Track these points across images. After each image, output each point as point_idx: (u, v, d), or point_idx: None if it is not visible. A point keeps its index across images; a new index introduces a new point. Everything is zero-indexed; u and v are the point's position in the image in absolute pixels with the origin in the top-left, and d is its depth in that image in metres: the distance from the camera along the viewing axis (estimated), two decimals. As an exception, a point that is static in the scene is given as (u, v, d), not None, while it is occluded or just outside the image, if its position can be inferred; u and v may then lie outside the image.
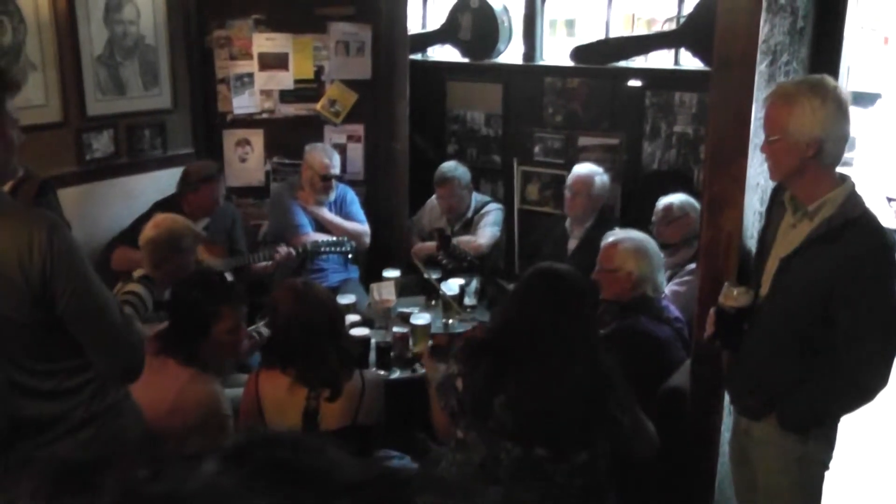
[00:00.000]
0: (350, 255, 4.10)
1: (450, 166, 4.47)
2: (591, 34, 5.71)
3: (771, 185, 2.39)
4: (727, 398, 2.58)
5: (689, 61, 4.40)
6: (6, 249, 1.70)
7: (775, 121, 2.09)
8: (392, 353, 3.28)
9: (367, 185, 4.77)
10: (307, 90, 4.65)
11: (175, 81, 4.41)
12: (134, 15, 4.17)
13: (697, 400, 2.65)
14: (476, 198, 4.57)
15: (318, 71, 4.64)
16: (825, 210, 2.08)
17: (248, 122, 4.64)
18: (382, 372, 3.18)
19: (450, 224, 4.51)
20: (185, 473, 0.45)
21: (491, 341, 2.24)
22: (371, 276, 4.09)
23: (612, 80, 4.56)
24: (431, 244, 4.31)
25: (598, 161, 4.35)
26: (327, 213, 4.24)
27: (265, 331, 2.84)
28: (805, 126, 2.03)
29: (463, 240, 4.28)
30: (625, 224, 3.62)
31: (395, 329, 3.39)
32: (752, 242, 2.53)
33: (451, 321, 3.61)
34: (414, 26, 5.09)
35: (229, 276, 2.63)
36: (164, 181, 4.17)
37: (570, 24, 8.67)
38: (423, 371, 3.18)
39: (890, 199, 6.93)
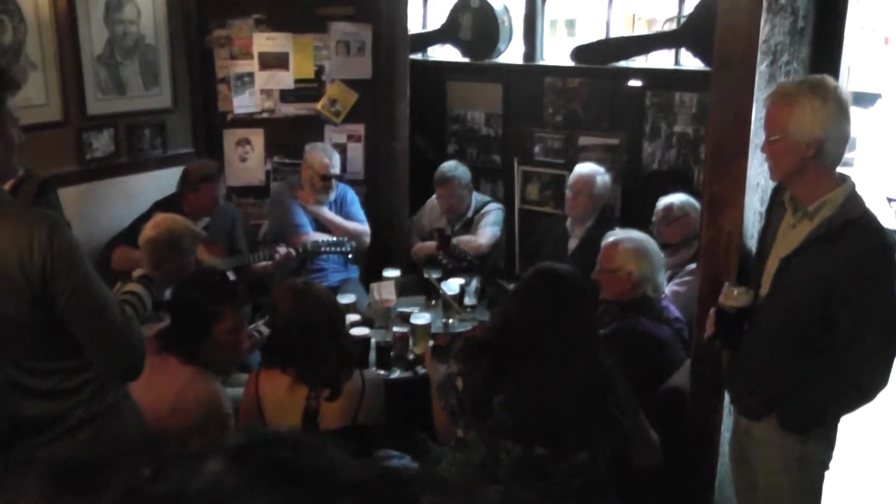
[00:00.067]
0: (350, 255, 4.10)
1: (450, 166, 4.47)
2: (591, 34, 5.71)
3: (771, 185, 2.39)
4: (727, 398, 2.58)
5: (690, 61, 4.40)
6: (6, 249, 1.70)
7: (776, 121, 2.09)
8: (392, 353, 3.28)
9: (367, 184, 4.77)
10: (307, 90, 4.65)
11: (175, 81, 4.41)
12: (134, 14, 4.17)
13: (697, 400, 2.65)
14: (476, 198, 4.57)
15: (319, 70, 4.64)
16: (825, 210, 2.08)
17: (248, 121, 4.64)
18: (382, 372, 3.18)
19: (450, 224, 4.51)
20: (187, 473, 0.45)
21: (491, 341, 2.24)
22: (371, 275, 4.09)
23: (613, 80, 4.56)
24: (431, 244, 4.31)
25: (598, 161, 4.35)
26: (328, 213, 4.24)
27: (265, 330, 2.84)
28: (805, 126, 2.03)
29: (463, 239, 4.28)
30: (625, 224, 3.62)
31: (395, 329, 3.39)
32: (752, 242, 2.53)
33: (451, 321, 3.61)
34: (414, 26, 5.09)
35: (231, 276, 2.62)
36: (164, 181, 4.17)
37: (570, 24, 8.67)
38: (423, 371, 3.19)
39: (890, 200, 6.93)
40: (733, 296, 2.24)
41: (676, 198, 3.69)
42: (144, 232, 3.02)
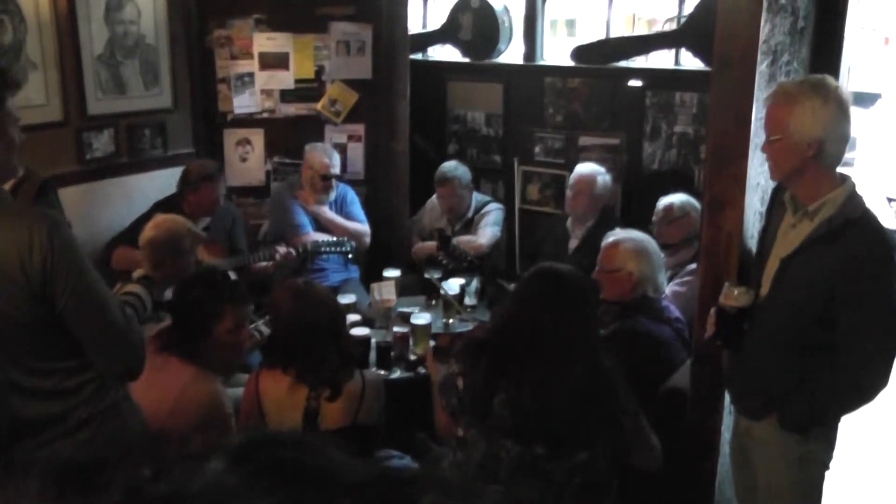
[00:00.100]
0: (350, 255, 4.10)
1: (450, 166, 4.47)
2: (591, 34, 5.71)
3: (771, 185, 2.39)
4: (727, 398, 2.58)
5: (690, 61, 4.40)
6: (7, 248, 1.70)
7: (776, 120, 2.09)
8: (392, 353, 3.28)
9: (367, 184, 4.78)
10: (308, 90, 4.65)
11: (175, 81, 4.41)
12: (134, 14, 4.17)
13: (698, 400, 2.65)
14: (476, 198, 4.57)
15: (319, 70, 4.64)
16: (825, 210, 2.08)
17: (248, 121, 4.64)
18: (383, 372, 3.18)
19: (450, 224, 4.51)
20: (188, 473, 0.45)
21: (491, 340, 2.24)
22: (371, 275, 4.09)
23: (613, 80, 4.56)
24: (432, 244, 4.31)
25: (598, 161, 4.35)
26: (328, 213, 4.24)
27: (265, 329, 2.84)
28: (806, 126, 2.03)
29: (463, 240, 4.28)
30: (625, 224, 3.62)
31: (396, 329, 3.39)
32: (752, 242, 2.53)
33: (451, 321, 3.62)
34: (414, 26, 5.09)
35: (233, 275, 2.62)
36: (164, 181, 4.17)
37: (570, 24, 8.67)
38: (424, 372, 3.19)
39: (890, 200, 6.93)
40: (733, 296, 2.24)
41: (677, 198, 3.69)
42: (145, 232, 3.02)
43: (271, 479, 0.46)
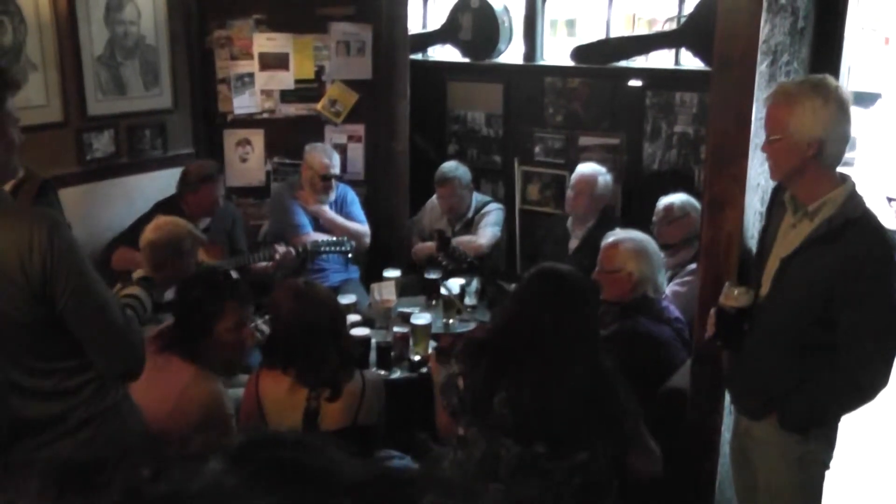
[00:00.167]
0: (350, 255, 4.10)
1: (450, 166, 4.47)
2: (591, 34, 5.70)
3: (771, 184, 2.39)
4: (728, 398, 2.58)
5: (690, 61, 4.40)
6: (7, 248, 1.71)
7: (776, 120, 2.09)
8: (392, 353, 3.28)
9: (367, 185, 4.78)
10: (308, 90, 4.65)
11: (176, 81, 4.41)
12: (134, 15, 4.17)
13: (698, 400, 2.65)
14: (476, 198, 4.57)
15: (319, 71, 4.64)
16: (825, 210, 2.08)
17: (248, 121, 4.64)
18: (383, 372, 3.18)
19: (450, 224, 4.51)
20: (188, 473, 0.45)
21: (492, 341, 2.24)
22: (371, 276, 4.09)
23: (613, 80, 4.56)
24: (432, 244, 4.31)
25: (598, 161, 4.35)
26: (329, 212, 4.24)
27: (265, 328, 2.83)
28: (806, 126, 2.03)
29: (463, 240, 4.28)
30: (625, 224, 3.62)
31: (396, 329, 3.39)
32: (752, 242, 2.53)
33: (451, 321, 3.62)
34: (414, 26, 5.09)
35: (235, 275, 2.62)
36: (164, 181, 4.17)
37: (570, 24, 8.67)
38: (425, 372, 3.19)
39: (890, 199, 6.93)
40: (734, 296, 2.24)
41: (677, 198, 3.69)
42: (145, 234, 3.02)
43: (271, 480, 0.46)
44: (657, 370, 2.82)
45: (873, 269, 2.01)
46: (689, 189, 3.87)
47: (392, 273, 3.95)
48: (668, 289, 3.29)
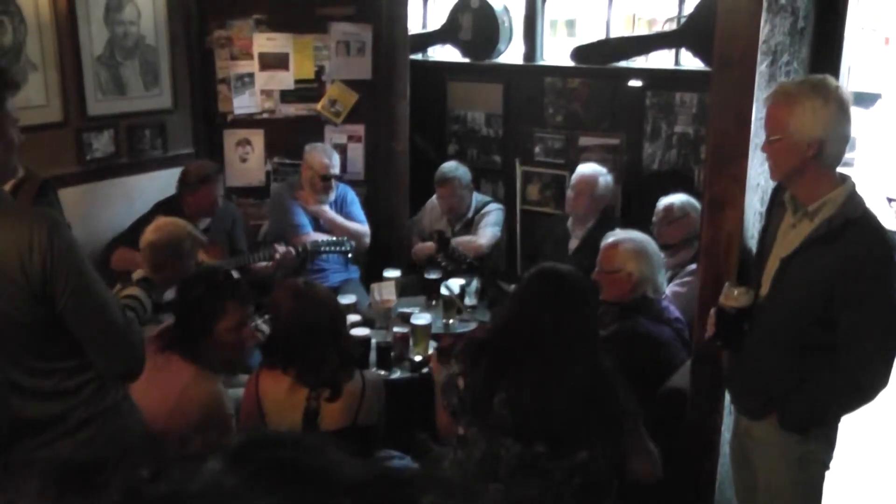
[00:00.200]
0: (350, 255, 4.10)
1: (450, 166, 4.47)
2: (591, 34, 5.70)
3: (771, 185, 2.39)
4: (728, 398, 2.58)
5: (690, 61, 4.40)
6: (7, 248, 1.71)
7: (776, 120, 2.09)
8: (392, 354, 3.28)
9: (367, 185, 4.78)
10: (308, 90, 4.65)
11: (175, 81, 4.41)
12: (134, 15, 4.17)
13: (698, 400, 2.65)
14: (476, 198, 4.57)
15: (319, 71, 4.64)
16: (825, 210, 2.08)
17: (248, 122, 4.64)
18: (383, 372, 3.18)
19: (450, 224, 4.51)
20: (187, 473, 0.45)
21: (492, 341, 2.24)
22: (372, 276, 4.09)
23: (613, 81, 4.56)
24: (431, 244, 4.31)
25: (599, 161, 4.35)
26: (329, 212, 4.24)
27: (264, 328, 2.83)
28: (806, 126, 2.03)
29: (463, 240, 4.28)
30: (625, 224, 3.62)
31: (396, 329, 3.39)
32: (752, 242, 2.53)
33: (451, 321, 3.62)
34: (414, 26, 5.09)
35: (236, 275, 2.62)
36: (164, 181, 4.17)
37: (570, 25, 8.66)
38: (425, 372, 3.19)
39: (890, 200, 6.93)
40: (734, 296, 2.24)
41: (677, 198, 3.69)
42: (145, 235, 3.02)
43: (270, 480, 0.46)
44: (657, 370, 2.82)
45: (873, 270, 2.01)
46: (689, 189, 3.88)
47: (392, 273, 3.95)
48: (668, 289, 3.29)
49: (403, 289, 3.93)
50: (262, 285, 3.64)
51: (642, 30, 6.09)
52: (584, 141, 4.68)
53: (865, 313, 2.02)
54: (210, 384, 2.39)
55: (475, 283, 3.84)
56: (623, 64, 4.59)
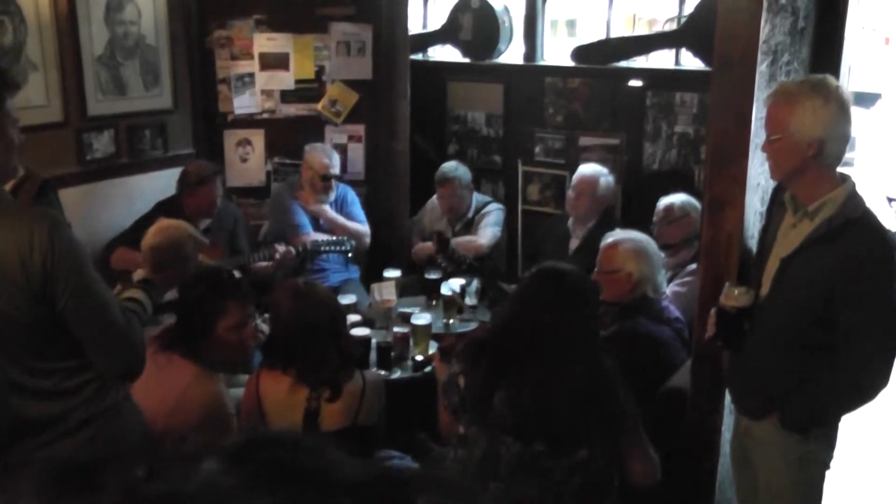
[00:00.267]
0: (350, 255, 4.10)
1: (450, 166, 4.47)
2: (591, 34, 5.70)
3: (772, 184, 2.39)
4: (728, 398, 2.58)
5: (690, 61, 4.40)
6: (7, 248, 1.71)
7: (777, 120, 2.09)
8: (393, 354, 3.28)
9: (367, 185, 4.78)
10: (308, 90, 4.65)
11: (176, 81, 4.41)
12: (135, 15, 4.17)
13: (698, 400, 2.65)
14: (477, 198, 4.57)
15: (319, 71, 4.64)
16: (826, 210, 2.08)
17: (248, 122, 4.64)
18: (383, 372, 3.18)
19: (451, 224, 4.51)
20: (184, 473, 0.45)
21: (492, 341, 2.24)
22: (372, 276, 4.09)
23: (613, 81, 4.56)
24: (431, 244, 4.31)
25: (599, 161, 4.35)
26: (329, 212, 4.24)
27: (264, 327, 2.83)
28: (806, 126, 2.03)
29: (464, 240, 4.28)
30: (626, 224, 3.62)
31: (396, 329, 3.39)
32: (752, 242, 2.53)
33: (451, 321, 3.62)
34: (414, 26, 5.09)
35: (238, 274, 2.62)
36: (164, 181, 4.17)
37: (570, 25, 8.66)
38: (425, 372, 3.19)
39: (890, 200, 6.93)
40: (734, 296, 2.24)
41: (677, 198, 3.69)
42: (147, 238, 3.01)
43: (270, 480, 0.46)
44: (657, 370, 2.82)
45: (873, 269, 2.01)
46: (689, 189, 3.87)
47: (392, 273, 3.95)
48: (669, 289, 3.29)
49: (404, 289, 3.93)
50: (263, 285, 3.65)
51: (642, 30, 6.09)
52: (585, 141, 4.68)
53: (865, 313, 2.02)
54: (211, 384, 2.39)
55: (475, 283, 3.84)
56: (623, 64, 4.59)
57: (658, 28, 5.61)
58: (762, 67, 2.38)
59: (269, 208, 4.53)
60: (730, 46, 2.38)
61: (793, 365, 2.16)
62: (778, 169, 2.16)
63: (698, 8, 4.20)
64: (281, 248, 3.86)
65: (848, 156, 2.16)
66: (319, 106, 4.67)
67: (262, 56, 4.57)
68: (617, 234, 3.13)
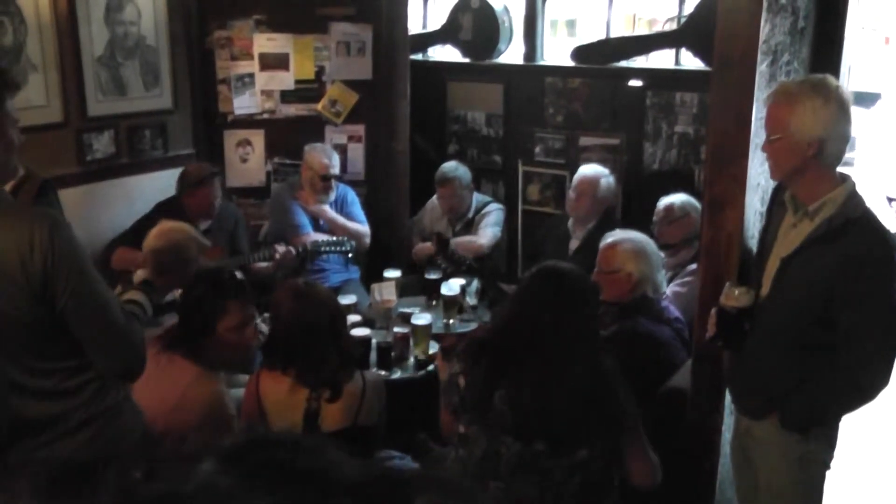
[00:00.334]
0: (350, 255, 4.10)
1: (451, 166, 4.47)
2: (591, 34, 5.70)
3: (772, 184, 2.39)
4: (728, 398, 2.58)
5: (690, 61, 4.40)
6: (7, 248, 1.71)
7: (777, 120, 2.09)
8: (393, 354, 3.28)
9: (367, 185, 4.78)
10: (308, 90, 4.66)
11: (176, 82, 4.41)
12: (135, 15, 4.17)
13: (698, 400, 2.65)
14: (477, 198, 4.57)
15: (319, 71, 4.64)
16: (826, 210, 2.08)
17: (248, 122, 4.64)
18: (383, 372, 3.18)
19: (451, 224, 4.51)
20: (182, 474, 0.45)
21: (492, 341, 2.24)
22: (372, 276, 4.09)
23: (613, 81, 4.56)
24: (431, 245, 4.31)
25: (599, 161, 4.35)
26: (329, 212, 4.25)
27: (263, 328, 2.83)
28: (807, 125, 2.03)
29: (464, 240, 4.28)
30: (626, 224, 3.61)
31: (396, 329, 3.39)
32: (752, 242, 2.53)
33: (451, 321, 3.62)
34: (414, 26, 5.09)
35: (240, 275, 2.62)
36: (164, 182, 4.17)
37: (570, 25, 8.66)
38: (424, 372, 3.19)
39: (890, 199, 6.93)
40: (734, 296, 2.24)
41: (677, 198, 3.69)
42: (149, 241, 3.00)
43: (269, 480, 0.46)
44: (657, 370, 2.82)
45: (873, 269, 2.01)
46: (689, 189, 3.87)
47: (392, 273, 3.95)
48: (669, 289, 3.29)
49: (404, 289, 3.93)
50: (263, 285, 3.65)
51: (642, 30, 6.09)
52: (585, 141, 4.68)
53: (865, 313, 2.02)
54: (212, 384, 2.39)
55: (475, 283, 3.84)
56: (623, 64, 4.59)
57: (658, 28, 5.61)
58: (762, 67, 2.38)
59: (269, 208, 4.53)
60: (730, 46, 2.38)
61: (793, 365, 2.16)
62: (778, 169, 2.16)
63: (698, 8, 4.20)
64: (281, 248, 3.86)
65: (848, 156, 2.16)
66: (319, 106, 4.67)
67: (262, 56, 4.57)
68: (616, 235, 3.13)
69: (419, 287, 4.01)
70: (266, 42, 4.56)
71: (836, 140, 2.05)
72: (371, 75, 4.68)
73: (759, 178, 2.52)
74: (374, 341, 3.29)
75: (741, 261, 2.47)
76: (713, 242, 2.51)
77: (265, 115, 4.64)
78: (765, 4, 2.30)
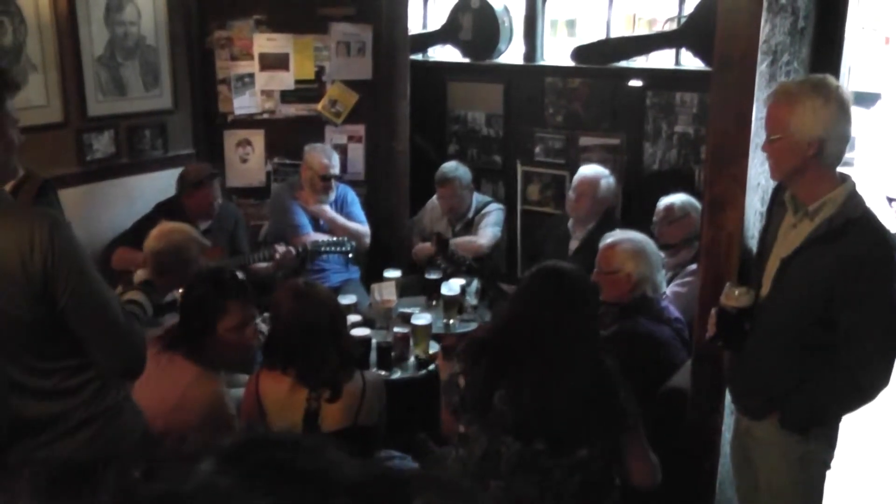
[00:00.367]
0: (350, 255, 4.10)
1: (451, 166, 4.47)
2: (591, 34, 5.70)
3: (772, 184, 2.39)
4: (728, 398, 2.58)
5: (690, 61, 4.40)
6: (8, 247, 1.71)
7: (777, 119, 2.09)
8: (393, 354, 3.28)
9: (367, 185, 4.78)
10: (308, 90, 4.65)
11: (176, 82, 4.41)
12: (135, 16, 4.17)
13: (698, 400, 2.65)
14: (477, 198, 4.57)
15: (319, 71, 4.64)
16: (826, 210, 2.08)
17: (248, 122, 4.64)
18: (383, 372, 3.18)
19: (451, 224, 4.51)
20: (181, 474, 0.45)
21: (492, 340, 2.24)
22: (372, 276, 4.09)
23: (613, 81, 4.56)
24: (431, 245, 4.31)
25: (599, 161, 4.35)
26: (330, 212, 4.25)
27: (263, 328, 2.83)
28: (807, 125, 2.03)
29: (464, 240, 4.28)
30: (626, 224, 3.61)
31: (396, 329, 3.39)
32: (753, 242, 2.53)
33: (451, 321, 3.62)
34: (414, 26, 5.09)
35: (241, 275, 2.63)
36: (164, 182, 4.17)
37: (570, 25, 8.67)
38: (424, 372, 3.19)
39: (890, 199, 6.93)
40: (734, 296, 2.24)
41: (677, 198, 3.69)
42: (149, 242, 3.01)
43: (269, 480, 0.46)
44: (657, 370, 2.82)
45: (873, 269, 2.00)
46: (689, 189, 3.87)
47: (392, 273, 3.95)
48: (669, 289, 3.29)
49: (404, 289, 3.93)
50: (263, 286, 3.65)
51: (642, 30, 6.09)
52: (585, 141, 4.68)
53: (865, 313, 2.02)
54: (212, 384, 2.39)
55: (475, 283, 3.84)
56: (623, 64, 4.59)
57: (658, 28, 5.62)
58: (762, 67, 2.38)
59: (269, 209, 4.53)
60: (730, 46, 2.38)
61: (793, 365, 2.16)
62: (778, 169, 2.16)
63: (698, 8, 4.20)
64: (281, 248, 3.86)
65: (848, 156, 2.16)
66: (319, 106, 4.67)
67: (262, 56, 4.57)
68: (615, 235, 3.13)
69: (419, 287, 4.01)
70: (266, 42, 4.56)
71: (836, 140, 2.05)
72: (371, 75, 4.68)
73: (759, 178, 2.52)
74: (374, 341, 3.29)
75: (741, 261, 2.47)
76: (713, 242, 2.51)
77: (265, 116, 4.64)
78: (765, 4, 2.30)
